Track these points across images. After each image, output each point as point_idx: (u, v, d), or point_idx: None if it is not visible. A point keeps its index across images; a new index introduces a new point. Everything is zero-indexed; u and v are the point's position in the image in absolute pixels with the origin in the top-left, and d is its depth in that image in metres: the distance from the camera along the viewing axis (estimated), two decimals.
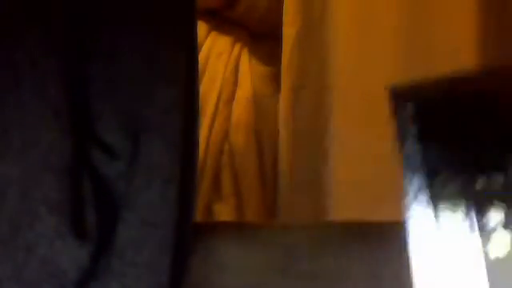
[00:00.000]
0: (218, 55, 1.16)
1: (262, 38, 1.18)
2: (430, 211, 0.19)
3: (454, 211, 0.19)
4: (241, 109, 1.05)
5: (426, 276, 0.19)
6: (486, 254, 0.19)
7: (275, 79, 1.11)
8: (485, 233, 0.19)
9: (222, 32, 1.17)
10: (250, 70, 1.17)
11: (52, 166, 0.36)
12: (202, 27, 1.11)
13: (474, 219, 0.19)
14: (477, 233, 0.19)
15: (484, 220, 0.19)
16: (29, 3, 0.36)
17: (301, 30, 0.93)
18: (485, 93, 0.19)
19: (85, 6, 0.37)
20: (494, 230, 0.19)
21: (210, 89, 1.13)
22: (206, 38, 1.14)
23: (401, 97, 0.19)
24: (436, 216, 0.19)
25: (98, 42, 0.38)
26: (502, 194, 0.18)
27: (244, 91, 1.14)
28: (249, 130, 1.01)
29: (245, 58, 1.18)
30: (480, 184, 0.19)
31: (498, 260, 0.19)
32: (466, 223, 0.19)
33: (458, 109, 0.19)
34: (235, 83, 1.16)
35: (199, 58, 0.46)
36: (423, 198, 0.19)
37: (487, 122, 0.18)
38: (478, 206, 0.19)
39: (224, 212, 0.94)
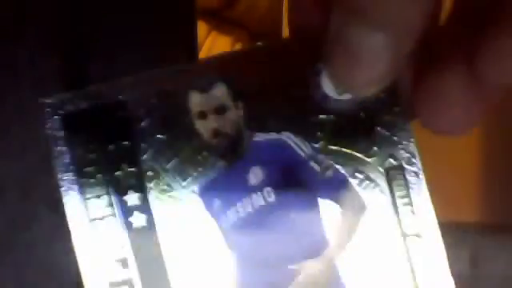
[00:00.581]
0: None
1: (262, 37, 1.18)
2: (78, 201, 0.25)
3: (101, 199, 0.25)
4: None
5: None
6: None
7: None
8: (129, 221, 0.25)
9: (221, 32, 1.17)
10: None
11: (52, 166, 0.36)
12: (202, 27, 1.11)
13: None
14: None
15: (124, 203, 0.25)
16: (29, 3, 0.36)
17: None
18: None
19: (85, 6, 0.37)
20: (126, 192, 0.25)
21: None
22: (206, 38, 1.14)
23: (50, 108, 0.24)
24: (85, 205, 0.24)
25: (98, 41, 0.38)
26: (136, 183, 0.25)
27: None
28: None
29: None
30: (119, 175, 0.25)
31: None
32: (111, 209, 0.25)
33: (99, 117, 0.24)
34: None
35: (199, 58, 0.46)
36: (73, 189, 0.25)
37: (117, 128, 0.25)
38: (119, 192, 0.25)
39: None
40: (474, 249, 0.66)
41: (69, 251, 0.29)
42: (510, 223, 0.71)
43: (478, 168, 0.74)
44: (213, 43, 1.14)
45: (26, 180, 0.37)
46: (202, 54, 1.11)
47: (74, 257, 0.26)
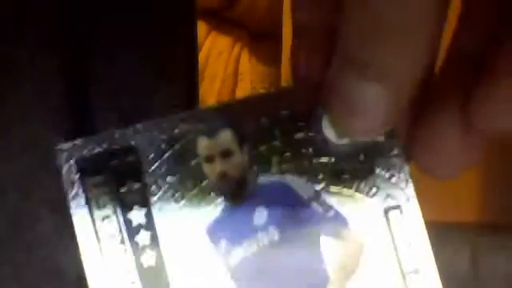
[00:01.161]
0: (218, 55, 1.16)
1: (262, 37, 1.18)
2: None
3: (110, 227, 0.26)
4: None
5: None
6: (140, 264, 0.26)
7: (275, 79, 1.11)
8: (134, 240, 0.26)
9: (222, 32, 1.17)
10: (250, 69, 1.17)
11: (52, 166, 0.36)
12: (201, 27, 1.12)
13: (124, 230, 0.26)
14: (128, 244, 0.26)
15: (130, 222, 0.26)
16: (29, 3, 0.36)
17: None
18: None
19: (85, 6, 0.37)
20: (138, 230, 0.26)
21: (209, 88, 1.13)
22: (206, 38, 1.14)
23: (66, 153, 0.26)
24: (98, 244, 0.26)
25: (98, 41, 0.38)
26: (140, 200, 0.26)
27: (244, 91, 1.14)
28: None
29: (245, 57, 1.18)
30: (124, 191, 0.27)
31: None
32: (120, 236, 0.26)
33: (112, 161, 0.26)
34: (235, 83, 1.16)
35: (199, 58, 0.46)
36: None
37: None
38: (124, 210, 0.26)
39: None
40: (473, 249, 0.66)
41: (69, 252, 0.29)
42: (510, 223, 0.71)
43: (478, 168, 0.74)
44: (213, 43, 1.14)
45: (26, 180, 0.37)
46: (202, 54, 1.11)
47: (74, 257, 0.26)
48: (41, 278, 0.37)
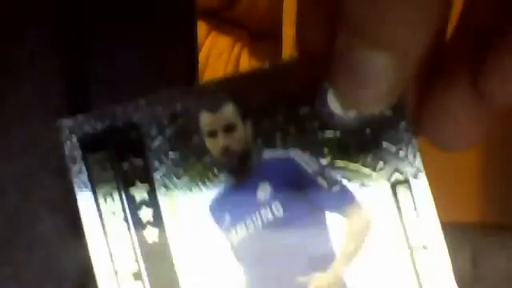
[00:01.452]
0: (218, 55, 1.16)
1: (262, 37, 1.18)
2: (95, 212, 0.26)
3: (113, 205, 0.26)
4: None
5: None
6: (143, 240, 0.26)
7: None
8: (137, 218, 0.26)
9: (222, 32, 1.17)
10: None
11: (52, 166, 0.36)
12: (202, 27, 1.11)
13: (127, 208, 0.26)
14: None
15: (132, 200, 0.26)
16: (29, 3, 0.36)
17: None
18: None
19: (85, 6, 0.37)
20: (140, 206, 0.26)
21: None
22: (206, 38, 1.14)
23: (68, 130, 0.26)
24: (101, 220, 0.26)
25: (98, 41, 0.38)
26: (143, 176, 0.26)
27: None
28: None
29: (245, 58, 1.18)
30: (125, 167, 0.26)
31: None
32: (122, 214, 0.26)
33: (114, 137, 0.26)
34: None
35: (199, 58, 0.46)
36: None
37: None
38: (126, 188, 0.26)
39: None
40: (474, 249, 0.66)
41: (68, 251, 0.29)
42: (510, 223, 0.71)
43: (478, 168, 0.74)
44: (213, 43, 1.14)
45: (26, 180, 0.37)
46: (202, 54, 1.11)
47: (74, 257, 0.26)
48: (41, 277, 0.37)
